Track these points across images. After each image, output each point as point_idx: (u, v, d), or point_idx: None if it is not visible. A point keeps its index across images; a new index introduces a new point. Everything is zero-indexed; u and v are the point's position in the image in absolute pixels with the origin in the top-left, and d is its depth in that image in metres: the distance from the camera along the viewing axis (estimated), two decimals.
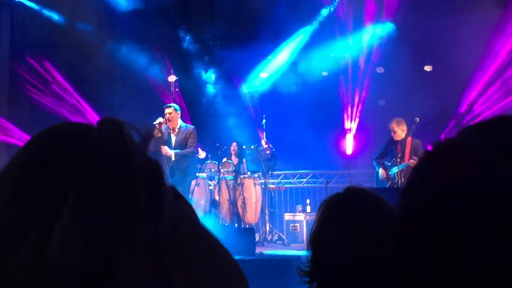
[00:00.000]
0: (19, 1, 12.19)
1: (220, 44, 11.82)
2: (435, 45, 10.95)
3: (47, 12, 12.15)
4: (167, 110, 8.42)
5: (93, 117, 11.80)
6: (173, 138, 8.43)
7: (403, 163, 8.37)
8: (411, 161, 8.21)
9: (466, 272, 0.71)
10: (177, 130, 8.42)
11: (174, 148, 8.35)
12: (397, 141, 8.60)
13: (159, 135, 8.30)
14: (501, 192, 0.70)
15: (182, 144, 8.34)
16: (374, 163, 8.85)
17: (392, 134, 8.65)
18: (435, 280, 0.74)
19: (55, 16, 12.09)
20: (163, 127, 8.36)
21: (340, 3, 11.47)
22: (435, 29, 10.95)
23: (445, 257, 0.73)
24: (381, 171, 8.67)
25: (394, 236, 0.81)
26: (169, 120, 8.36)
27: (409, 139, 8.53)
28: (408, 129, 8.58)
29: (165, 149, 8.25)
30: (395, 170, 8.45)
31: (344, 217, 1.69)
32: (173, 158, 8.24)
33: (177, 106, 8.56)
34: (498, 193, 0.70)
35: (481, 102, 10.34)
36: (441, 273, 0.73)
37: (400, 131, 8.57)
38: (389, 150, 8.73)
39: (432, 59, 11.23)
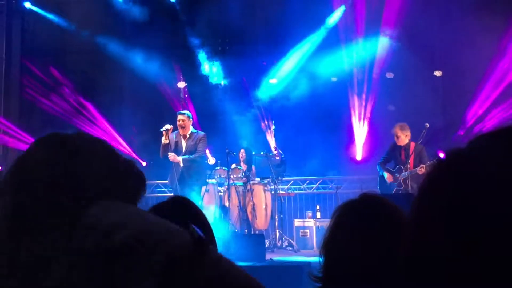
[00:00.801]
0: (30, 9, 12.27)
1: (230, 51, 11.84)
2: (445, 50, 10.92)
3: (57, 19, 12.22)
4: (180, 117, 8.46)
5: (102, 124, 11.85)
6: (184, 144, 8.46)
7: (409, 170, 8.26)
8: (418, 169, 8.13)
9: (479, 278, 0.71)
10: (188, 135, 8.46)
11: (185, 154, 8.37)
12: (401, 146, 8.54)
13: (167, 141, 8.33)
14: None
15: (192, 150, 8.38)
16: (378, 168, 8.80)
17: (395, 139, 8.59)
18: (447, 285, 0.74)
19: (65, 23, 12.16)
20: (170, 134, 8.39)
21: (349, 9, 11.47)
22: (445, 34, 10.92)
23: (457, 263, 0.73)
24: (386, 175, 8.60)
25: (407, 242, 0.82)
26: (181, 127, 8.40)
27: (412, 144, 8.47)
28: (412, 134, 8.54)
29: (173, 156, 8.29)
30: (404, 175, 8.39)
31: (357, 223, 1.69)
32: (181, 164, 8.27)
33: (190, 113, 8.62)
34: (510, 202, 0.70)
35: (491, 108, 10.28)
36: (453, 278, 0.73)
37: (403, 137, 8.51)
38: (393, 155, 8.67)
39: (442, 65, 11.19)
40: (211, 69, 11.91)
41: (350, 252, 1.65)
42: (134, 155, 11.71)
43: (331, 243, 1.71)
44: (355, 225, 1.69)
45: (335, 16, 11.67)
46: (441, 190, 0.78)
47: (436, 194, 0.78)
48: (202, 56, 11.97)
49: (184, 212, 1.75)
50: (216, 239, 6.59)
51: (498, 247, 0.69)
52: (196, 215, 1.76)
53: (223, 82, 11.91)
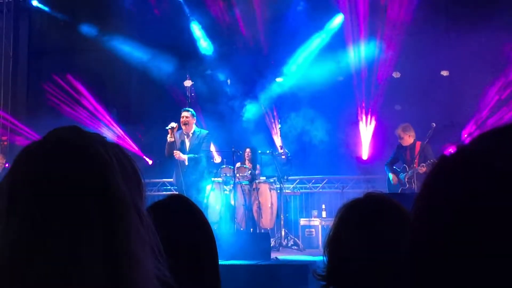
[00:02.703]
0: (37, 7, 12.31)
1: (236, 49, 11.83)
2: (452, 49, 10.87)
3: (64, 17, 12.26)
4: (184, 114, 8.45)
5: (110, 123, 11.88)
6: (187, 143, 8.45)
7: (412, 169, 8.35)
8: (419, 167, 8.19)
9: (483, 276, 0.71)
10: (191, 134, 8.45)
11: (189, 153, 8.37)
12: (406, 146, 8.60)
13: (172, 139, 8.33)
14: None
15: (196, 148, 8.36)
16: (385, 169, 8.86)
17: (400, 140, 8.66)
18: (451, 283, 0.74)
19: (72, 22, 12.19)
20: (175, 132, 8.38)
21: (356, 8, 11.45)
22: (452, 33, 10.89)
23: (460, 261, 0.72)
24: (392, 176, 8.67)
25: (409, 241, 0.81)
26: (184, 124, 8.38)
27: (417, 143, 8.52)
28: (419, 134, 8.57)
29: (178, 154, 8.28)
30: (409, 174, 8.44)
31: (361, 222, 1.69)
32: (186, 163, 8.26)
33: (193, 112, 8.60)
34: None
35: (498, 107, 10.24)
36: (456, 279, 0.73)
37: (407, 137, 8.58)
38: (399, 156, 8.73)
39: (449, 64, 11.16)
40: (218, 68, 11.90)
41: (353, 250, 1.66)
42: (140, 153, 11.75)
43: (335, 241, 1.72)
44: (359, 224, 1.69)
45: (336, 22, 11.69)
46: (444, 187, 0.77)
47: (438, 191, 0.78)
48: (209, 54, 11.98)
49: (182, 210, 1.75)
50: (222, 238, 6.58)
51: (501, 244, 0.69)
52: (193, 213, 1.76)
53: (229, 81, 11.90)
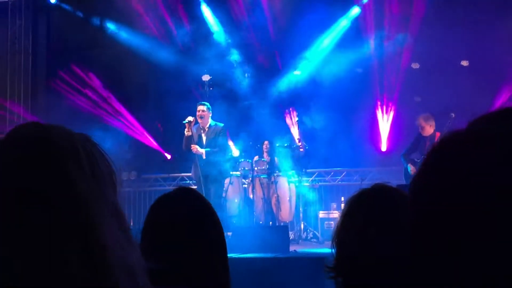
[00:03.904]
0: (55, 4, 12.41)
1: (255, 41, 11.81)
2: (472, 40, 10.74)
3: (82, 14, 12.36)
4: (200, 107, 8.46)
5: (128, 118, 11.96)
6: (204, 137, 8.46)
7: None
8: None
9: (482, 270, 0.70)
10: (207, 128, 8.45)
11: (206, 147, 8.37)
12: (426, 137, 8.51)
13: (189, 133, 8.34)
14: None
15: (212, 143, 8.36)
16: (402, 159, 8.75)
17: (420, 130, 8.57)
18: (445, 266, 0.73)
19: (91, 18, 12.29)
20: (193, 126, 8.39)
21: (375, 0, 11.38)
22: (472, 23, 10.75)
23: (455, 245, 0.72)
24: (410, 167, 8.56)
25: (408, 223, 0.82)
26: (200, 118, 8.39)
27: (437, 134, 8.44)
28: (438, 125, 8.49)
29: (196, 148, 8.28)
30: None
31: (368, 214, 1.69)
32: (204, 157, 8.27)
33: (209, 105, 8.59)
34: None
35: None
36: (451, 260, 0.72)
37: (428, 127, 8.49)
38: (418, 146, 8.63)
39: (469, 54, 11.03)
40: (236, 61, 11.89)
41: (361, 242, 1.65)
42: (159, 148, 11.82)
43: (343, 233, 1.72)
44: (366, 215, 1.69)
45: (353, 12, 11.63)
46: (435, 172, 0.77)
47: (430, 176, 0.78)
48: (227, 48, 11.97)
49: (189, 202, 1.76)
50: (240, 231, 6.61)
51: (498, 227, 0.69)
52: (201, 206, 1.76)
53: (247, 74, 11.90)
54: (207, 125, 8.45)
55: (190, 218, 1.71)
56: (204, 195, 6.96)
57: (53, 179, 0.88)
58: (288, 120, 11.19)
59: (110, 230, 0.89)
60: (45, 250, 0.84)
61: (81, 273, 0.84)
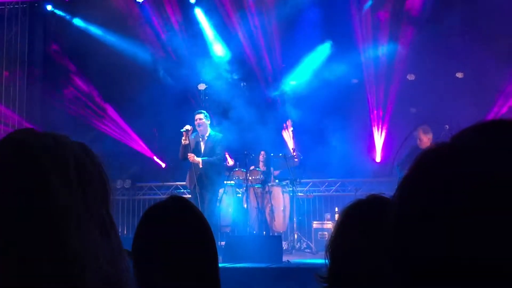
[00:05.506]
0: (52, 11, 12.42)
1: (249, 51, 11.84)
2: (467, 51, 10.79)
3: (78, 22, 12.36)
4: (197, 116, 8.43)
5: (123, 126, 11.94)
6: (202, 146, 8.43)
7: None
8: None
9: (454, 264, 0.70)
10: (206, 137, 8.42)
11: (203, 156, 8.34)
12: (422, 149, 8.48)
13: (186, 142, 8.31)
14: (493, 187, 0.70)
15: (211, 152, 8.32)
16: (397, 169, 8.71)
17: (418, 142, 8.51)
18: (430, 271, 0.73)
19: (86, 25, 12.29)
20: (190, 134, 8.37)
21: (370, 9, 11.41)
22: (466, 34, 10.81)
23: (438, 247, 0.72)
24: None
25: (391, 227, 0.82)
26: (198, 126, 8.36)
27: None
28: (435, 137, 8.46)
29: (193, 157, 8.24)
30: None
31: (362, 225, 1.68)
32: (200, 166, 8.24)
33: (207, 114, 8.57)
34: (491, 189, 0.70)
35: None
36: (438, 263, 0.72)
37: (426, 139, 8.44)
38: (413, 157, 8.57)
39: (464, 66, 11.08)
40: (231, 71, 11.90)
41: (355, 252, 1.64)
42: (153, 156, 11.79)
43: (337, 243, 1.71)
44: (360, 226, 1.68)
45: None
46: (422, 179, 0.78)
47: (416, 183, 0.79)
48: (222, 58, 11.99)
49: (181, 211, 1.75)
50: (234, 240, 6.60)
51: (479, 234, 0.69)
52: (192, 214, 1.75)
53: (242, 84, 11.91)
54: (207, 134, 8.41)
55: (181, 229, 1.70)
56: (198, 203, 6.89)
57: (29, 188, 0.87)
58: (283, 131, 11.20)
59: (88, 241, 0.88)
60: (13, 257, 0.83)
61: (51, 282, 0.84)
